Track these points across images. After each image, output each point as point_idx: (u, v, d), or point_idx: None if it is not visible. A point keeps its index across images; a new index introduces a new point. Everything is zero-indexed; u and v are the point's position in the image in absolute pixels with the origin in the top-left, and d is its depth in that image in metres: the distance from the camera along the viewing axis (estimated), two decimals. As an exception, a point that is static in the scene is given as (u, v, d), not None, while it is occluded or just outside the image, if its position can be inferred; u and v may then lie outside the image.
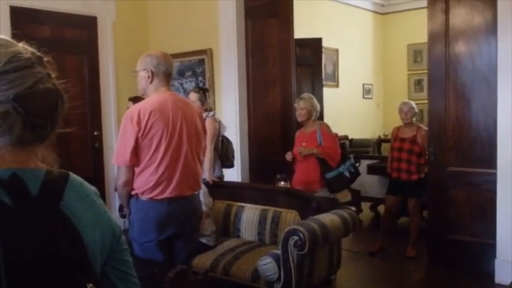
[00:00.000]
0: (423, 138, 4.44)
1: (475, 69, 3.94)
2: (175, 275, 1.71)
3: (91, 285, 0.87)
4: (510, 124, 3.71)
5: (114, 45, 5.60)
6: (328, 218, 3.11)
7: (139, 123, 2.43)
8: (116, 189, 5.23)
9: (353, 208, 3.50)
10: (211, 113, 4.09)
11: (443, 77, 4.08)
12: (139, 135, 2.43)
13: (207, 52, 5.47)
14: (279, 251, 2.94)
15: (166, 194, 2.50)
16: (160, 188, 2.49)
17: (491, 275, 3.82)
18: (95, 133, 5.51)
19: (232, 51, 5.21)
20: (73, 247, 0.87)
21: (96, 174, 5.38)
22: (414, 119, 4.66)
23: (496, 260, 3.82)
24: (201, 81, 5.61)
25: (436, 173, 4.18)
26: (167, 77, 2.65)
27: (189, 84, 5.73)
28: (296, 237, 2.83)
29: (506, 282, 3.74)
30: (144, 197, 2.51)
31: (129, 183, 2.53)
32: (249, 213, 3.67)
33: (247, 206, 3.72)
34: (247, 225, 3.65)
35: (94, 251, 0.93)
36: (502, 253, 3.79)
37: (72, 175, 0.98)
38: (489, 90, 3.84)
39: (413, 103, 4.70)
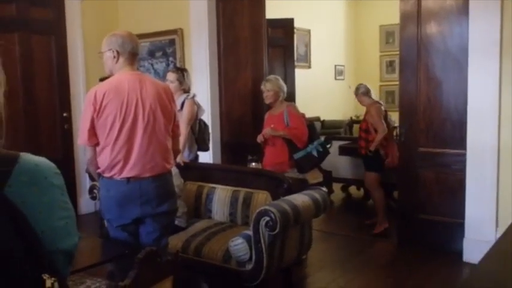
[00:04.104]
0: (370, 115, 4.65)
1: (446, 50, 3.95)
2: (144, 256, 1.67)
3: (47, 275, 0.80)
4: (480, 105, 3.75)
5: (83, 25, 5.43)
6: (300, 198, 3.09)
7: (94, 104, 2.47)
8: (86, 171, 5.17)
9: (324, 189, 3.49)
10: (191, 95, 4.02)
11: (415, 58, 4.09)
12: (95, 115, 2.48)
13: (178, 32, 5.36)
14: (250, 232, 2.91)
15: (124, 174, 2.52)
16: (118, 168, 2.51)
17: (459, 253, 3.90)
18: (64, 114, 5.37)
19: (203, 31, 5.11)
20: (20, 237, 0.80)
21: (65, 157, 5.28)
22: (374, 97, 4.85)
23: (465, 239, 3.90)
24: (171, 61, 5.50)
25: (406, 153, 4.22)
26: (133, 56, 2.62)
27: (160, 65, 5.62)
28: (267, 218, 2.81)
29: (474, 260, 3.80)
30: (106, 175, 2.56)
31: (93, 161, 2.60)
32: (221, 195, 3.63)
33: (219, 187, 3.67)
34: (219, 206, 3.61)
35: (53, 237, 0.86)
36: (470, 232, 3.87)
37: (24, 156, 0.87)
38: (460, 72, 3.87)
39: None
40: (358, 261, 4.14)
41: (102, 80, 4.77)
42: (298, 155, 3.95)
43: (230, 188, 3.62)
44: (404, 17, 4.11)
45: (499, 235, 3.73)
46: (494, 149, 3.72)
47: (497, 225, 3.78)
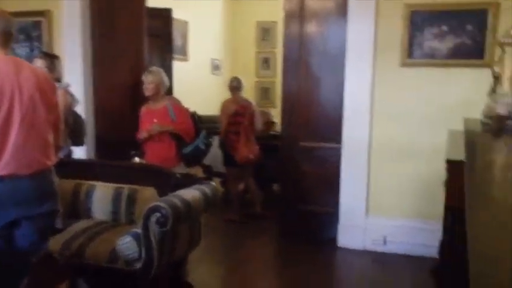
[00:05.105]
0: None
1: (325, 50, 4.17)
2: (40, 260, 1.47)
3: None
4: (354, 104, 4.04)
5: None
6: (190, 193, 3.02)
7: None
8: None
9: (213, 183, 3.47)
10: (64, 85, 3.70)
11: (297, 56, 4.25)
12: None
13: (45, 14, 4.87)
14: (139, 230, 2.77)
15: None
16: None
17: (335, 240, 4.18)
18: None
19: (76, 15, 4.69)
20: None
21: None
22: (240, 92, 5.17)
23: (339, 225, 4.20)
24: (37, 46, 5.00)
25: (288, 148, 4.38)
26: (6, 37, 2.29)
27: (23, 50, 5.06)
28: (158, 214, 2.69)
29: (347, 244, 4.15)
30: None
31: None
32: (102, 192, 3.38)
33: (99, 184, 3.42)
34: (100, 205, 3.36)
35: None
36: (343, 219, 4.19)
37: None
38: (337, 72, 4.10)
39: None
40: (240, 255, 4.20)
41: None
42: (187, 149, 3.89)
43: (112, 185, 3.39)
44: (288, 15, 4.24)
45: (368, 221, 4.08)
46: (366, 144, 4.04)
47: (367, 212, 4.13)
